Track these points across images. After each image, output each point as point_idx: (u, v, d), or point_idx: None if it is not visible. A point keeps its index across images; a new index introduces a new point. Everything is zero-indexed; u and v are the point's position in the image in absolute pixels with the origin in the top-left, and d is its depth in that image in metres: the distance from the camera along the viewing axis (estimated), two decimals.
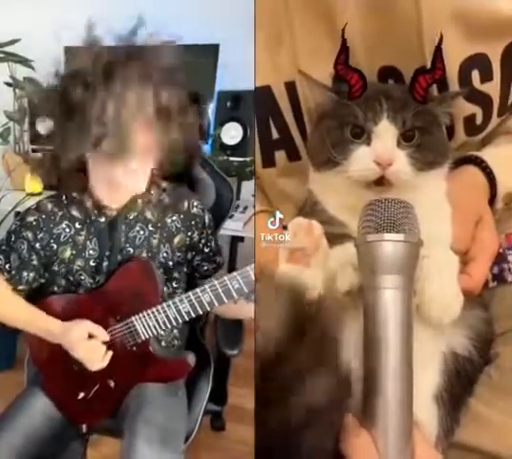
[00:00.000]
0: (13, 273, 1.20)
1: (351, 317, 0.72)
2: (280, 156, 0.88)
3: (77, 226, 1.18)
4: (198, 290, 1.09)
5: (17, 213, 2.00)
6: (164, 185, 1.23)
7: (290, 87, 0.85)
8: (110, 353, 1.14)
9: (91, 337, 1.13)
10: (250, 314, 0.90)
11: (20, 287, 1.22)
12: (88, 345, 1.12)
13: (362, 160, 0.75)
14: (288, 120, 0.87)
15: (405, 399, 0.65)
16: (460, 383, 0.77)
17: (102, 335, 1.14)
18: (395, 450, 0.65)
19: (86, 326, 1.13)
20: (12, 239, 1.20)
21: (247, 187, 2.19)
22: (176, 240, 1.22)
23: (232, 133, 2.27)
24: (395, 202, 0.67)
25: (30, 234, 1.18)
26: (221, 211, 1.35)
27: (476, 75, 0.82)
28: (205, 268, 1.29)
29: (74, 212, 1.19)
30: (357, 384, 0.68)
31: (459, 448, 0.76)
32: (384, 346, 0.65)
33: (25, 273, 1.21)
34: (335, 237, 0.76)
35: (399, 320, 0.65)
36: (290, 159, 0.89)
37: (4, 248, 1.21)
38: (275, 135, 0.87)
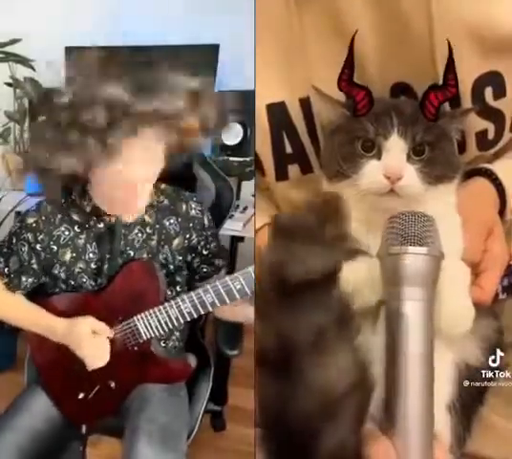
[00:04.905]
0: (12, 276, 1.20)
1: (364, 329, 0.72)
2: (293, 169, 0.89)
3: (77, 229, 1.18)
4: (200, 290, 1.10)
5: (18, 213, 1.99)
6: (163, 187, 1.23)
7: (305, 103, 0.86)
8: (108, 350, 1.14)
9: (94, 334, 1.13)
10: (250, 317, 0.91)
11: (18, 292, 1.22)
12: (92, 342, 1.12)
13: (372, 173, 0.76)
14: (302, 134, 0.87)
15: (426, 409, 0.65)
16: (472, 393, 0.77)
17: (106, 331, 1.14)
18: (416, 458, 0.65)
19: (90, 322, 1.13)
20: (13, 241, 1.20)
21: (247, 187, 2.19)
22: (175, 243, 1.22)
23: (232, 133, 2.27)
24: (419, 215, 0.68)
25: (30, 236, 1.18)
26: (221, 211, 1.36)
27: (489, 91, 0.82)
28: (204, 270, 1.29)
29: (74, 216, 1.18)
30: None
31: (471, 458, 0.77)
32: (405, 356, 0.65)
33: (24, 278, 1.21)
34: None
35: (421, 331, 0.66)
36: (303, 172, 0.89)
37: (5, 250, 1.21)
38: (288, 149, 0.87)
